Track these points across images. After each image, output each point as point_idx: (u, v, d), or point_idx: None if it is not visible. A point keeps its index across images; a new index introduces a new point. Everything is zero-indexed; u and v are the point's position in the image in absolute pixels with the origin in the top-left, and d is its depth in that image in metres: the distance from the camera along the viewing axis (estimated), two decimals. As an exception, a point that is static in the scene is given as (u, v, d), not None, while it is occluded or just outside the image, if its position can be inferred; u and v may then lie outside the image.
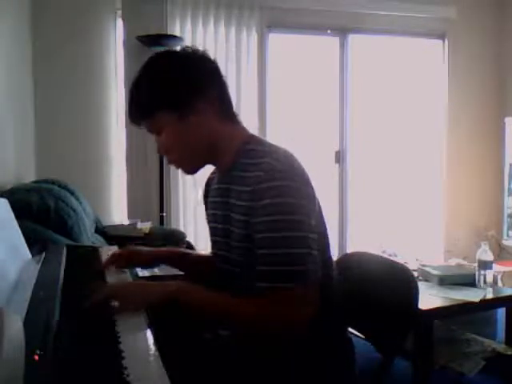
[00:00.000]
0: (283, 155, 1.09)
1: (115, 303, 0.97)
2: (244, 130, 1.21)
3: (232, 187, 1.15)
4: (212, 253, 1.32)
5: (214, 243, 1.27)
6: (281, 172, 1.04)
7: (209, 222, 1.30)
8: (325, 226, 1.16)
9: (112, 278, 1.22)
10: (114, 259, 1.30)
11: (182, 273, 1.42)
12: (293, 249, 1.01)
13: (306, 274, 1.01)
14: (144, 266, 1.50)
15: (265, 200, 1.03)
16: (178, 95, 1.12)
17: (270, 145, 1.15)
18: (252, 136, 1.19)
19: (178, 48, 1.25)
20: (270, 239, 1.02)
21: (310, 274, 1.02)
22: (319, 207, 1.13)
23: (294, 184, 1.04)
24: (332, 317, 1.16)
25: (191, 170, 1.23)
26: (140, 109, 1.16)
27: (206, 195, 1.35)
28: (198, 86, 1.13)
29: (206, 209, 1.33)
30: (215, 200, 1.25)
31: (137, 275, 1.35)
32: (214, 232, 1.26)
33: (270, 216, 1.02)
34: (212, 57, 1.19)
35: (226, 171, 1.18)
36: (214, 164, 1.24)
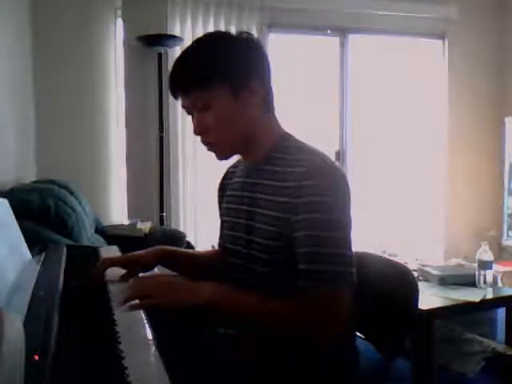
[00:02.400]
0: (323, 153, 1.08)
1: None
2: (280, 125, 1.19)
3: (261, 182, 1.13)
4: (221, 246, 1.30)
5: (230, 238, 1.22)
6: (324, 170, 1.03)
7: (225, 215, 1.27)
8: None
9: (112, 276, 1.21)
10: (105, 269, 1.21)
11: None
12: (335, 248, 0.99)
13: (347, 274, 1.00)
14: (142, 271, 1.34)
15: (307, 197, 1.01)
16: (239, 72, 1.09)
17: (304, 142, 1.13)
18: (287, 133, 1.18)
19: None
20: (313, 237, 1.00)
21: (351, 276, 1.01)
22: None
23: (337, 183, 1.03)
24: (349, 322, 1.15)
25: (226, 154, 1.18)
26: (197, 77, 1.09)
27: (222, 188, 1.33)
28: (256, 69, 1.12)
29: (221, 202, 1.31)
30: (237, 194, 1.22)
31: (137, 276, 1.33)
32: (230, 227, 1.22)
33: (312, 213, 1.00)
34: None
35: (258, 165, 1.16)
36: (244, 154, 1.20)
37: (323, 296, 0.99)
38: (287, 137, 1.16)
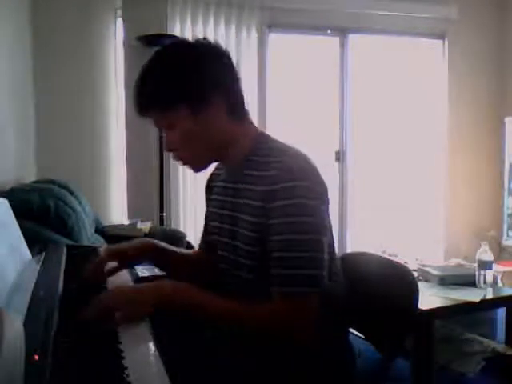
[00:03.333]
0: (297, 154, 1.06)
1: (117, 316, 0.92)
2: (254, 127, 1.18)
3: (242, 186, 1.12)
4: (203, 248, 1.31)
5: (217, 243, 1.22)
6: (297, 172, 1.01)
7: (210, 220, 1.26)
8: (331, 228, 1.13)
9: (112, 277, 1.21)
10: (100, 268, 1.18)
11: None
12: (306, 252, 0.99)
13: (319, 278, 1.00)
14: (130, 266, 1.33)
15: (280, 201, 1.00)
16: (195, 90, 1.07)
17: (281, 143, 1.12)
18: (263, 133, 1.16)
19: (191, 38, 1.19)
20: (286, 241, 0.99)
21: (323, 279, 1.00)
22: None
23: (310, 184, 1.02)
24: (335, 322, 1.15)
25: (200, 167, 1.17)
26: (152, 100, 1.09)
27: (207, 191, 1.32)
28: (213, 80, 1.08)
29: (208, 205, 1.30)
30: (220, 198, 1.21)
31: (137, 276, 1.33)
32: (216, 231, 1.21)
33: (285, 217, 1.00)
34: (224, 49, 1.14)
35: (236, 169, 1.15)
36: (222, 161, 1.19)
37: (295, 301, 0.99)
38: (263, 138, 1.14)
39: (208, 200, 1.31)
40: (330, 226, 1.12)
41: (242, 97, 1.15)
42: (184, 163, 1.16)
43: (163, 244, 1.30)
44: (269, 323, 0.99)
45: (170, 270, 1.30)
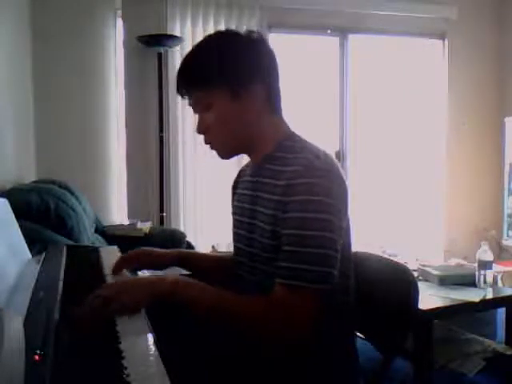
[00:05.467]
0: (323, 153, 1.07)
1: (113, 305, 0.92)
2: (286, 125, 1.19)
3: (262, 180, 1.13)
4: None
5: (236, 235, 1.23)
6: (319, 169, 1.02)
7: (234, 213, 1.27)
8: (350, 231, 1.13)
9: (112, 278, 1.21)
10: (125, 262, 1.22)
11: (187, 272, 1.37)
12: (317, 248, 0.99)
13: (328, 276, 0.99)
14: (156, 268, 1.37)
15: (298, 196, 1.00)
16: (239, 74, 1.09)
17: (309, 142, 1.12)
18: (291, 132, 1.17)
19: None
20: (299, 236, 0.99)
21: (332, 278, 1.00)
22: (348, 210, 1.10)
23: (330, 183, 1.02)
24: (344, 322, 1.15)
25: (227, 154, 1.18)
26: (196, 78, 1.11)
27: (235, 186, 1.33)
28: (259, 70, 1.11)
29: (233, 200, 1.31)
30: (244, 193, 1.22)
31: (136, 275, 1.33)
32: (237, 225, 1.23)
33: (301, 212, 1.00)
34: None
35: (259, 164, 1.16)
36: (249, 154, 1.21)
37: (298, 296, 0.98)
38: (291, 137, 1.15)
39: (233, 195, 1.32)
40: (349, 228, 1.12)
41: (279, 94, 1.18)
42: (212, 147, 1.18)
43: (194, 251, 1.32)
44: (269, 314, 0.98)
45: (204, 276, 1.29)
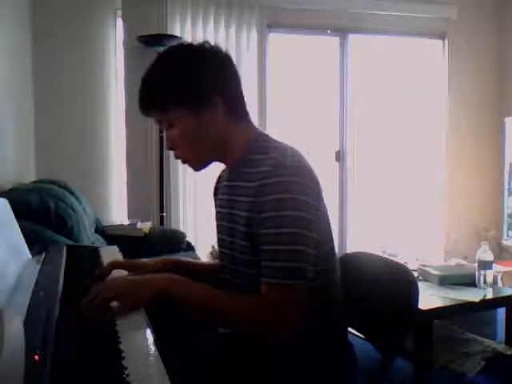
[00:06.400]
0: (291, 151, 1.08)
1: (113, 305, 0.94)
2: (254, 127, 1.20)
3: (237, 184, 1.14)
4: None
5: (219, 240, 1.26)
6: (288, 168, 1.03)
7: (216, 219, 1.29)
8: (329, 226, 1.15)
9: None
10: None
11: None
12: (293, 245, 1.00)
13: (304, 271, 1.01)
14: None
15: (270, 195, 1.02)
16: (194, 90, 1.10)
17: (277, 141, 1.14)
18: (260, 133, 1.18)
19: (192, 40, 1.22)
20: (274, 235, 1.01)
21: (308, 273, 1.02)
22: (324, 205, 1.12)
23: (301, 180, 1.03)
24: (333, 319, 1.16)
25: (199, 166, 1.20)
26: (154, 100, 1.13)
27: (215, 192, 1.34)
28: (214, 83, 1.11)
29: (215, 206, 1.32)
30: (222, 198, 1.24)
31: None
32: (220, 230, 1.25)
33: (275, 211, 1.01)
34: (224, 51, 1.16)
35: (234, 168, 1.18)
36: (222, 161, 1.22)
37: (279, 292, 1.00)
38: (260, 137, 1.16)
39: (215, 201, 1.34)
40: (328, 224, 1.14)
41: (242, 99, 1.17)
42: (184, 162, 1.19)
43: (183, 259, 1.35)
44: (255, 313, 1.00)
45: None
